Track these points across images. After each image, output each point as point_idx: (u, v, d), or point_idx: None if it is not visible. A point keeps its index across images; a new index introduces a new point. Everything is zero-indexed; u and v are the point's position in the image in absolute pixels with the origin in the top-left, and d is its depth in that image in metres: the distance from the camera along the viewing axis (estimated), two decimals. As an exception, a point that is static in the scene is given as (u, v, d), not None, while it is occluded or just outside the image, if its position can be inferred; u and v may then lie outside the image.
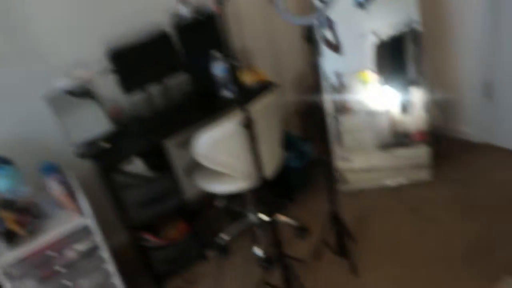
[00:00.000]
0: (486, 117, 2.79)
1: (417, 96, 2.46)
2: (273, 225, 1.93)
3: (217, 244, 2.54)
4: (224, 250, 2.53)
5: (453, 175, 2.68)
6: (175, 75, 2.44)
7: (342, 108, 2.57)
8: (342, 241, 2.21)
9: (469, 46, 2.65)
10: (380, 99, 2.51)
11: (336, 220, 2.15)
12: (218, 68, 2.24)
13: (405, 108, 2.51)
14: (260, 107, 1.93)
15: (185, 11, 2.41)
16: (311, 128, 3.24)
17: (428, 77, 2.48)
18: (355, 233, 2.39)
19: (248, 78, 2.40)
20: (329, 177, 2.05)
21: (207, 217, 2.87)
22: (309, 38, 1.61)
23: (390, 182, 2.71)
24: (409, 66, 2.42)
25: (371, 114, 2.54)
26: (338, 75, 2.48)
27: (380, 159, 2.65)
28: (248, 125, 1.56)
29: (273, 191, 2.80)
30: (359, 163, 2.69)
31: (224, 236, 2.56)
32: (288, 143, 2.89)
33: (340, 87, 2.51)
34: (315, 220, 2.58)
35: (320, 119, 2.56)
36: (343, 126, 2.60)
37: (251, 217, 2.56)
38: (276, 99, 2.13)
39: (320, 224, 2.45)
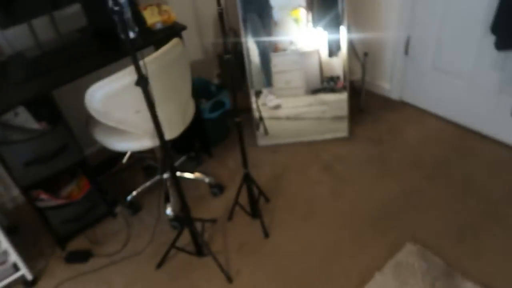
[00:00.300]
0: (403, 76, 2.78)
1: (344, 40, 2.37)
2: (178, 187, 1.77)
3: (126, 201, 2.37)
4: (133, 207, 2.37)
5: (369, 132, 2.67)
6: (64, 6, 2.06)
7: (274, 47, 2.44)
8: (255, 202, 2.13)
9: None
10: (311, 40, 2.40)
11: (248, 181, 2.05)
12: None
13: (333, 51, 2.43)
14: (164, 56, 1.68)
15: None
16: (229, 76, 3.03)
17: (351, 24, 2.37)
18: (270, 191, 2.33)
19: (152, 18, 2.09)
20: (241, 136, 1.89)
21: (118, 172, 2.65)
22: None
23: (310, 137, 2.64)
24: (339, 7, 2.29)
25: (302, 54, 2.44)
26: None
27: (307, 104, 2.56)
28: (142, 83, 1.33)
29: (190, 146, 2.63)
30: (285, 111, 2.58)
31: (135, 193, 2.38)
32: (205, 92, 2.70)
33: (272, 24, 2.37)
34: (232, 177, 2.48)
35: (239, 65, 2.37)
36: (274, 67, 2.47)
37: (164, 173, 2.39)
38: (183, 45, 1.87)
39: (236, 182, 2.36)
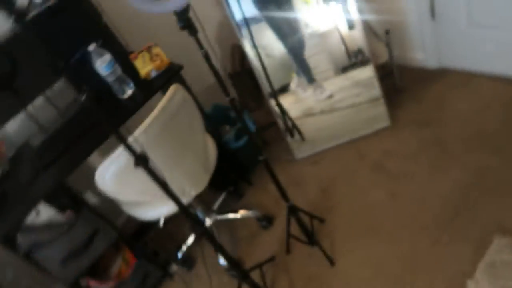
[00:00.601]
0: (436, 40, 2.42)
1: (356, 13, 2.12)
2: (216, 245, 1.58)
3: (178, 258, 2.24)
4: (187, 263, 2.24)
5: (414, 114, 2.33)
6: (54, 84, 1.94)
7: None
8: (308, 231, 1.92)
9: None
10: (325, 18, 2.20)
11: (294, 213, 1.84)
12: (102, 65, 1.75)
13: (351, 24, 2.18)
14: (163, 113, 1.50)
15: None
16: (245, 94, 2.84)
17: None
18: (322, 210, 2.10)
19: (144, 67, 1.92)
20: (272, 173, 1.69)
21: (163, 229, 2.51)
22: (186, 25, 1.17)
23: (350, 136, 2.38)
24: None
25: (321, 35, 2.25)
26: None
27: (339, 88, 2.34)
28: (141, 163, 1.16)
29: (226, 180, 2.46)
30: (319, 103, 2.38)
31: (184, 248, 2.25)
32: (226, 119, 2.53)
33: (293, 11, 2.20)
34: (278, 203, 2.26)
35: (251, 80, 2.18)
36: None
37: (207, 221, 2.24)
38: (184, 87, 1.69)
39: (284, 207, 2.15)
